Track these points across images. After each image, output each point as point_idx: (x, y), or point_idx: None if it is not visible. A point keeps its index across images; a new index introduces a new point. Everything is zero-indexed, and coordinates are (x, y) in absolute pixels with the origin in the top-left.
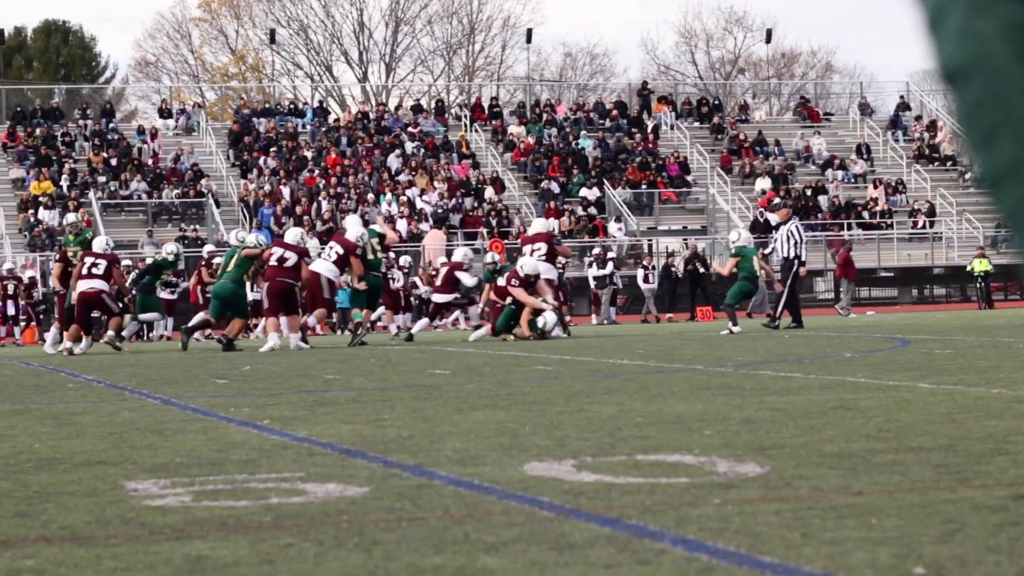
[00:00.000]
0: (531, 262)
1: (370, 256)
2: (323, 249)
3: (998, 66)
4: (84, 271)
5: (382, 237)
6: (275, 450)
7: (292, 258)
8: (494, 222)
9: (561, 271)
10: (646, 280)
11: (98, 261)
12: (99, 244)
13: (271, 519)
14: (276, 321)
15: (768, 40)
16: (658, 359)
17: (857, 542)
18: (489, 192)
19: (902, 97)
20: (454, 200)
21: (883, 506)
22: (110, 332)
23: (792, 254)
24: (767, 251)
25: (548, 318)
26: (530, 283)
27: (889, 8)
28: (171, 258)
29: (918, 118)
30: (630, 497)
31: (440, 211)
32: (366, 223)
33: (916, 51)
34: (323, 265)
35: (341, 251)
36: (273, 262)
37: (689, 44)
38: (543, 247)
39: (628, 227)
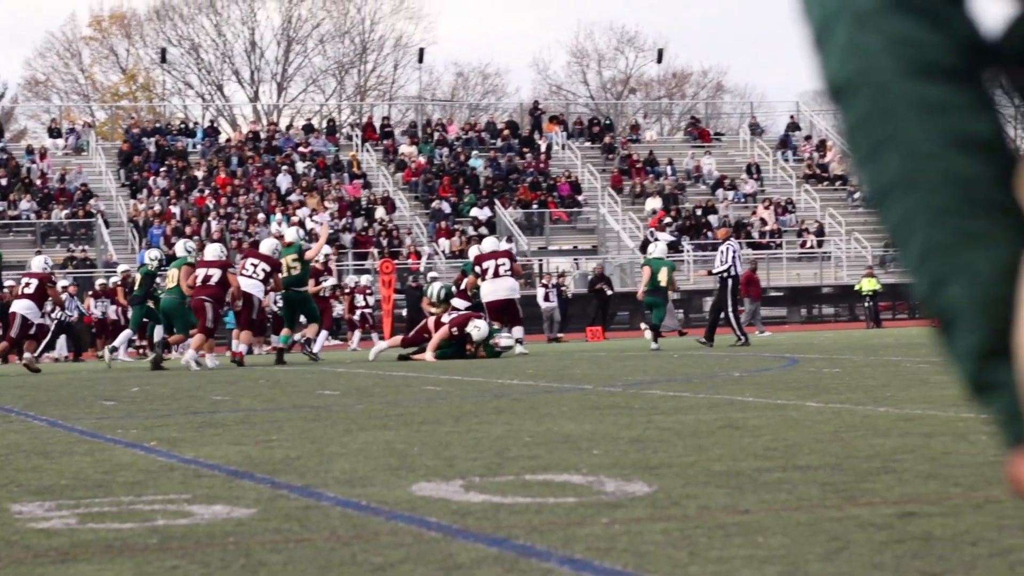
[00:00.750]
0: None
1: (283, 273)
2: (245, 267)
3: (883, 81)
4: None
5: (301, 252)
6: (162, 472)
7: (216, 274)
8: (385, 242)
9: None
10: (546, 299)
11: (30, 280)
12: (37, 264)
13: (157, 541)
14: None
15: (659, 60)
16: (547, 379)
17: (743, 560)
18: (380, 212)
19: (792, 117)
20: (345, 220)
21: (769, 524)
22: (27, 354)
23: (723, 271)
24: (716, 270)
25: (481, 329)
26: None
27: (779, 29)
28: (155, 264)
29: (808, 138)
30: (518, 517)
31: (331, 231)
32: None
33: (806, 72)
34: (249, 283)
35: (269, 268)
36: (199, 282)
37: (581, 64)
38: (507, 262)
39: (519, 247)
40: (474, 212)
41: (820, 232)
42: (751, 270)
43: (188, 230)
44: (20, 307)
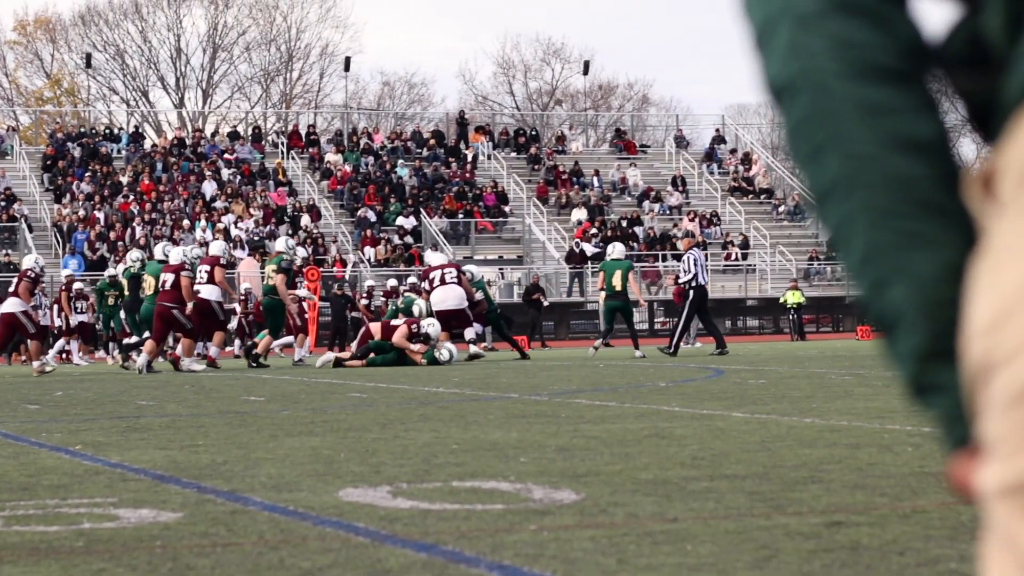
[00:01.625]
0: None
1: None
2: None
3: (824, 82)
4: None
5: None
6: (87, 475)
7: (171, 278)
8: (310, 250)
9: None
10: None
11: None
12: (28, 261)
13: (83, 544)
14: (155, 347)
15: (585, 72)
16: (474, 387)
17: (672, 568)
18: (305, 220)
19: (717, 130)
20: (269, 227)
21: (698, 532)
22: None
23: (694, 282)
24: (682, 280)
25: (447, 350)
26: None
27: (705, 43)
28: (137, 266)
29: (733, 151)
30: (446, 523)
31: (255, 238)
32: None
33: (731, 85)
34: (209, 290)
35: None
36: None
37: (507, 75)
38: (453, 271)
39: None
40: (400, 221)
41: (745, 245)
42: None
43: (112, 235)
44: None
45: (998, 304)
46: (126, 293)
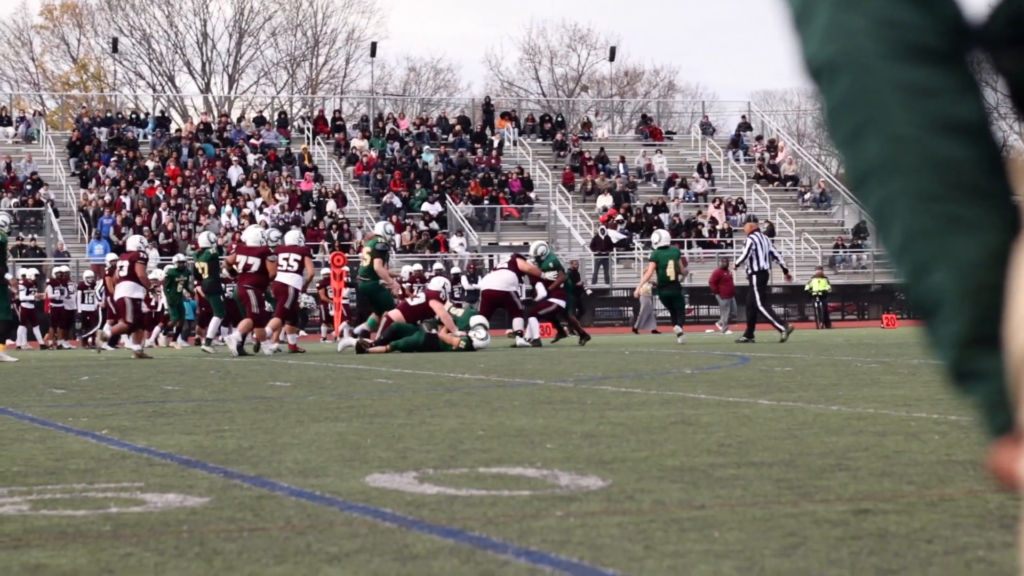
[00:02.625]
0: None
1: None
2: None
3: (865, 63)
4: None
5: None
6: (114, 460)
7: (256, 262)
8: (335, 236)
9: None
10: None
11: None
12: (133, 243)
13: (110, 528)
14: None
15: (612, 58)
16: (499, 373)
17: (699, 555)
18: (331, 205)
19: (743, 117)
20: (295, 213)
21: (725, 519)
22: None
23: (750, 267)
24: (738, 262)
25: (482, 328)
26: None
27: (731, 30)
28: (215, 249)
29: (759, 138)
30: (472, 509)
31: (281, 224)
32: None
33: (757, 71)
34: (292, 277)
35: (300, 258)
36: (240, 269)
37: (533, 61)
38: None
39: (470, 242)
40: (425, 207)
41: (770, 232)
42: (722, 268)
43: (139, 220)
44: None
45: None
46: (205, 276)
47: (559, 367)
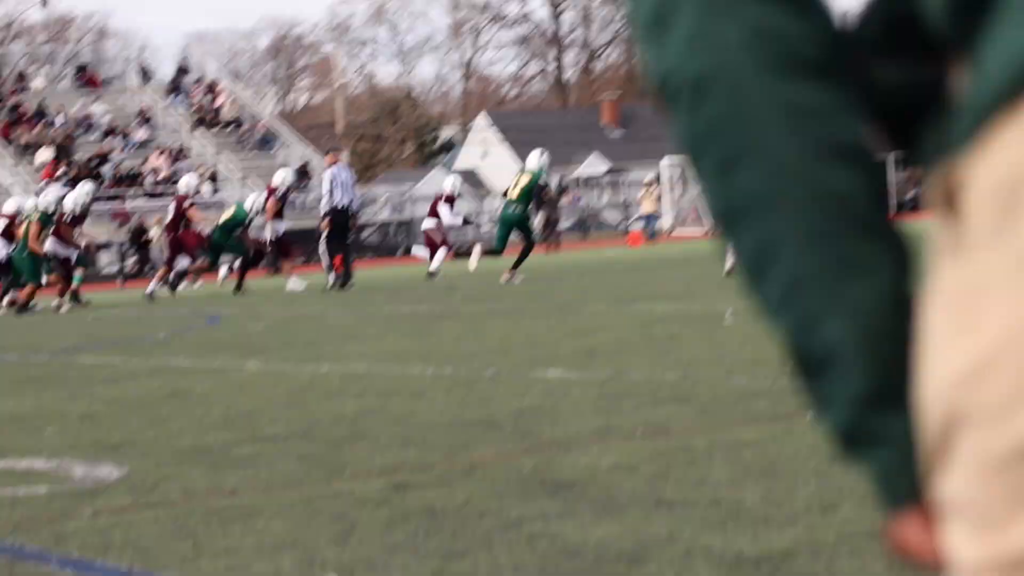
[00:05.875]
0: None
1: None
2: None
3: (741, 80)
4: None
5: None
6: None
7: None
8: None
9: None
10: None
11: None
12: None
13: None
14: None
15: (44, 4)
16: None
17: (252, 550)
18: None
19: (182, 60)
20: None
21: (263, 506)
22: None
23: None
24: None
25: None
26: None
27: None
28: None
29: (198, 81)
30: None
31: None
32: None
33: (191, 11)
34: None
35: None
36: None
37: None
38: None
39: None
40: None
41: (214, 178)
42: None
43: None
44: None
45: (978, 350)
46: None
47: (29, 338)
